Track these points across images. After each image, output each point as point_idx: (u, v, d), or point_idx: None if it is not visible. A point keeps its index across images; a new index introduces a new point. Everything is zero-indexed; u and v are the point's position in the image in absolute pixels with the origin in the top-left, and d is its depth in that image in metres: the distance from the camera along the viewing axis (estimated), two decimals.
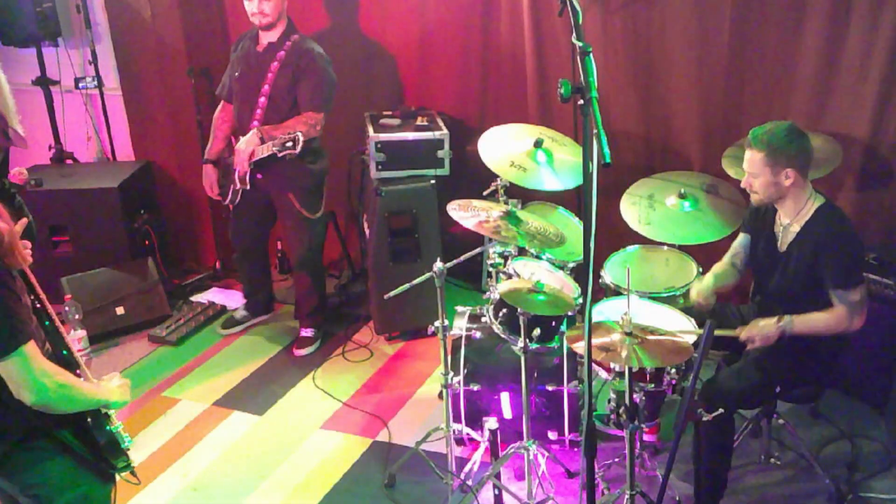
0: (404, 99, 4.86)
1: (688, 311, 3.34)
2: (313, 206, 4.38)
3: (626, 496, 2.90)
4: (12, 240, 2.04)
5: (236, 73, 4.29)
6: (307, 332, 4.66)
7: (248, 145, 4.12)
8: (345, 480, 3.57)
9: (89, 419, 2.25)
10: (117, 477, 2.38)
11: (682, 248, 3.76)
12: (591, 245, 2.10)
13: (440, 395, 3.71)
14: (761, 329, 2.99)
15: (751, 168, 2.97)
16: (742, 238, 3.27)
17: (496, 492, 3.25)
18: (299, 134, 3.92)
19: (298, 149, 3.92)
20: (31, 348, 2.03)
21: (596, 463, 2.76)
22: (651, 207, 3.72)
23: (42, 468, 2.20)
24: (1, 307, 1.99)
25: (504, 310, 3.28)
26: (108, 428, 2.29)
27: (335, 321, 4.84)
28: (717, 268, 3.28)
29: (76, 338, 4.28)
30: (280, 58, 4.15)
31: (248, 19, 4.18)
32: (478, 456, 3.38)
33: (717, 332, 2.75)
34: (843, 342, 3.12)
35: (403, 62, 4.86)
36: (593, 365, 2.94)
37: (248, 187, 4.25)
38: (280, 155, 3.97)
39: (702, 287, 3.21)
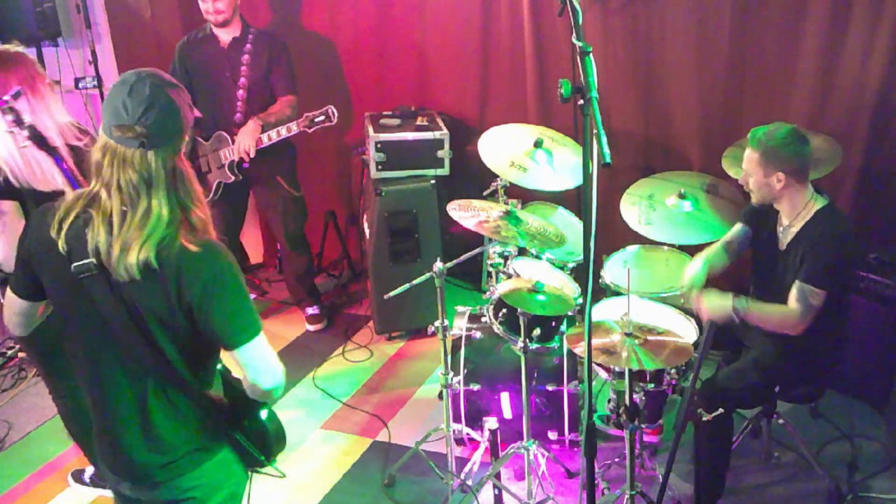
0: (404, 99, 4.86)
1: (688, 311, 3.34)
2: (297, 184, 4.57)
3: (626, 496, 2.90)
4: (207, 227, 1.98)
5: (201, 74, 4.33)
6: (314, 310, 4.80)
7: (253, 135, 4.17)
8: (345, 480, 3.57)
9: (265, 409, 2.16)
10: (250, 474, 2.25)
11: (682, 248, 3.76)
12: (592, 245, 2.10)
13: (440, 395, 3.71)
14: (712, 303, 2.97)
15: (745, 166, 2.99)
16: (739, 228, 3.25)
17: (496, 492, 3.25)
18: (331, 107, 4.14)
19: (335, 119, 4.16)
20: (264, 333, 1.98)
21: (596, 463, 2.76)
22: (651, 207, 3.72)
23: (203, 468, 2.08)
24: (244, 291, 1.96)
25: (504, 310, 3.28)
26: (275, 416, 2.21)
27: (335, 321, 4.86)
28: (708, 252, 3.23)
29: None
30: (248, 50, 4.27)
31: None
32: (478, 456, 3.38)
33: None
34: (842, 342, 3.12)
35: (403, 62, 4.86)
36: (593, 365, 2.94)
37: (241, 178, 4.34)
38: (311, 131, 4.18)
39: (694, 277, 3.12)
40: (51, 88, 2.85)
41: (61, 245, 1.88)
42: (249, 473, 2.21)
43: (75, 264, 1.88)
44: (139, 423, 2.01)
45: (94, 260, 1.87)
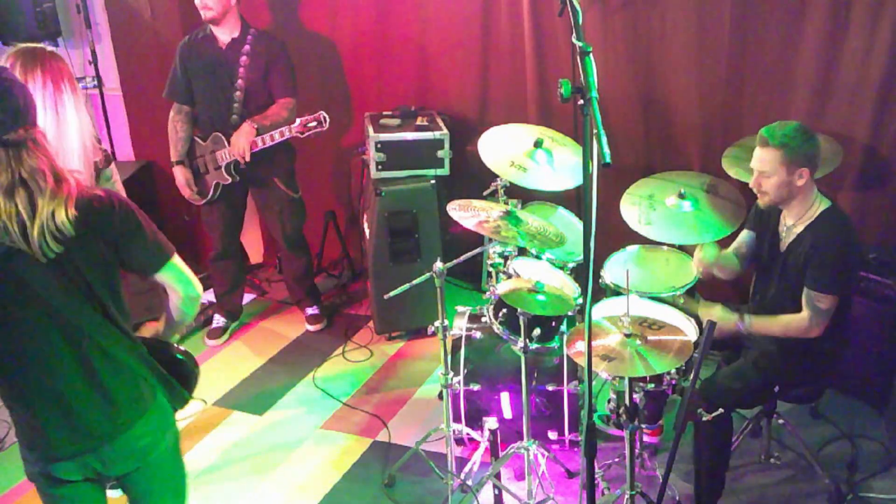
0: (404, 99, 4.86)
1: (687, 310, 3.34)
2: (295, 186, 4.55)
3: (626, 496, 2.90)
4: (90, 179, 2.20)
5: (200, 74, 4.32)
6: (314, 310, 4.80)
7: (248, 137, 4.15)
8: (345, 480, 3.57)
9: (179, 346, 2.40)
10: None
11: (681, 248, 3.76)
12: (592, 245, 2.10)
13: (440, 395, 3.71)
14: (719, 318, 3.02)
15: (763, 167, 2.93)
16: (745, 234, 3.27)
17: (496, 492, 3.25)
18: (323, 113, 4.11)
19: (327, 126, 4.12)
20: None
21: (596, 463, 2.76)
22: (651, 207, 3.71)
23: (148, 416, 2.22)
24: (150, 222, 2.16)
25: (504, 310, 3.28)
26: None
27: (335, 321, 4.86)
28: (724, 249, 3.30)
29: None
30: (247, 52, 4.25)
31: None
32: (478, 456, 3.38)
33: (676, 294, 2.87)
34: (842, 342, 3.12)
35: (403, 62, 4.86)
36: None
37: (238, 179, 4.33)
38: (303, 136, 4.15)
39: (704, 254, 3.22)
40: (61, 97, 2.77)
41: None
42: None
43: None
44: (90, 385, 2.12)
45: (18, 244, 1.96)
